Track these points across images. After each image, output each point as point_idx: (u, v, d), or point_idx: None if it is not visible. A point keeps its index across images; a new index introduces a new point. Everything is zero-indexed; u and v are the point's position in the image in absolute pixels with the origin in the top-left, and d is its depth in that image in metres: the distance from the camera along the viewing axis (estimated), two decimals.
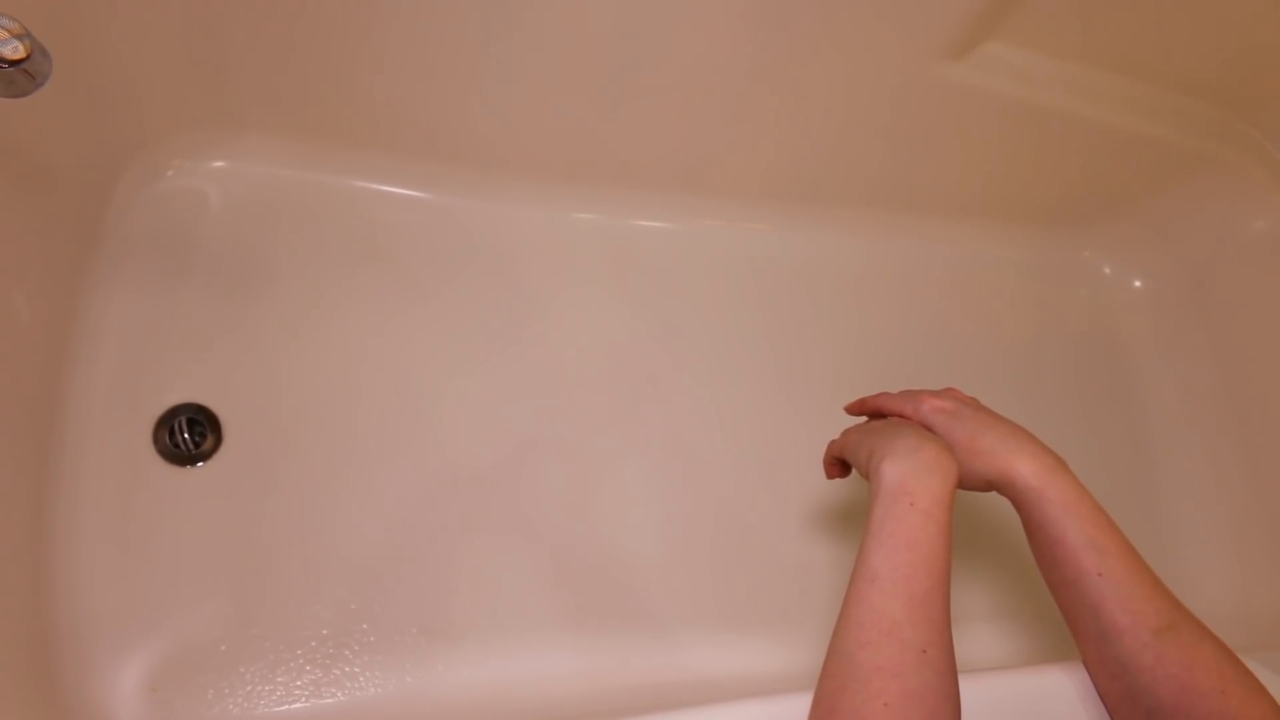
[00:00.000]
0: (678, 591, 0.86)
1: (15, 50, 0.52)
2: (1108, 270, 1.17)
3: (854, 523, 0.92)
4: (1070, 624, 0.55)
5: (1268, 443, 0.99)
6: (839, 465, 0.67)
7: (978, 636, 0.88)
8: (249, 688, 0.72)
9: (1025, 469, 0.55)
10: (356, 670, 0.75)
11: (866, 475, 0.57)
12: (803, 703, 0.49)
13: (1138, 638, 0.50)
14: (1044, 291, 1.14)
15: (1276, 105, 0.95)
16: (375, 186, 0.94)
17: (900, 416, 0.63)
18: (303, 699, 0.73)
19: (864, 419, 0.68)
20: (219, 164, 0.89)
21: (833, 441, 0.66)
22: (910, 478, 0.52)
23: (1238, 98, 0.96)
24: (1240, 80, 0.94)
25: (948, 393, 0.62)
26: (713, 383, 0.97)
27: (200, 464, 0.79)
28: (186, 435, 0.79)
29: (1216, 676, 0.49)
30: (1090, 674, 0.55)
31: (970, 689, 0.49)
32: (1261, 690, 0.49)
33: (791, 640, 0.84)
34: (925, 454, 0.53)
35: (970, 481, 0.57)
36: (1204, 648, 0.50)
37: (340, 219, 0.92)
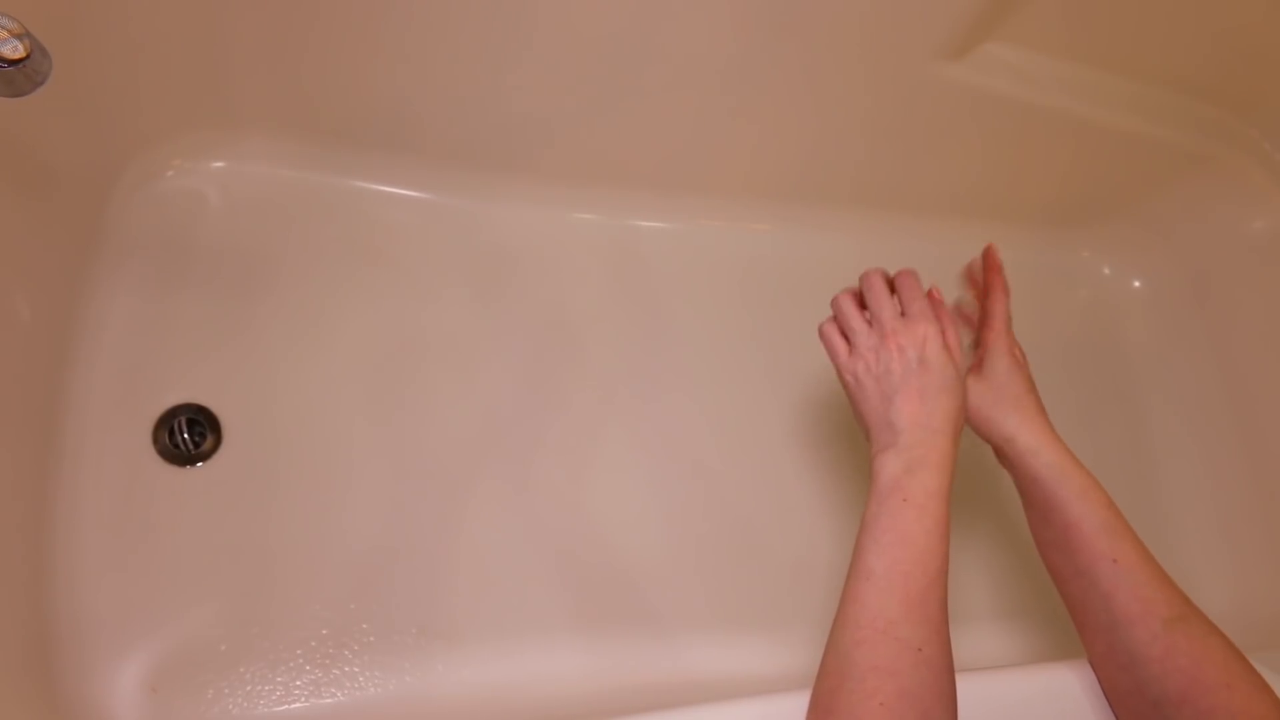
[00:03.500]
0: (677, 591, 0.86)
1: (15, 50, 0.52)
2: (1107, 270, 1.17)
3: (852, 521, 0.92)
4: (1078, 615, 0.56)
5: (1267, 443, 0.99)
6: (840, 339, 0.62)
7: (979, 636, 0.88)
8: (249, 687, 0.72)
9: (1055, 447, 0.56)
10: (356, 670, 0.75)
11: (858, 418, 0.58)
12: (800, 702, 0.49)
13: (1149, 628, 0.51)
14: (1043, 292, 1.14)
15: (1275, 105, 0.95)
16: (375, 186, 0.94)
17: (989, 328, 0.64)
18: (302, 699, 0.73)
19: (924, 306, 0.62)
20: (219, 164, 0.89)
21: (826, 328, 0.62)
22: (906, 474, 0.52)
23: (1237, 98, 0.96)
24: (1239, 80, 0.94)
25: (1018, 346, 0.64)
26: (711, 381, 0.96)
27: (200, 464, 0.79)
28: (186, 435, 0.79)
29: (1223, 671, 0.49)
30: (1096, 667, 0.55)
31: (973, 687, 0.49)
32: (1266, 688, 0.49)
33: (789, 639, 0.84)
34: (922, 450, 0.53)
35: (994, 430, 0.59)
36: (1212, 641, 0.50)
37: (340, 219, 0.92)
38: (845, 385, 0.60)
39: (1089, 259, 1.17)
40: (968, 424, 0.60)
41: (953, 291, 0.70)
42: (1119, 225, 1.13)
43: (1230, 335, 1.04)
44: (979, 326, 0.66)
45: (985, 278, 0.67)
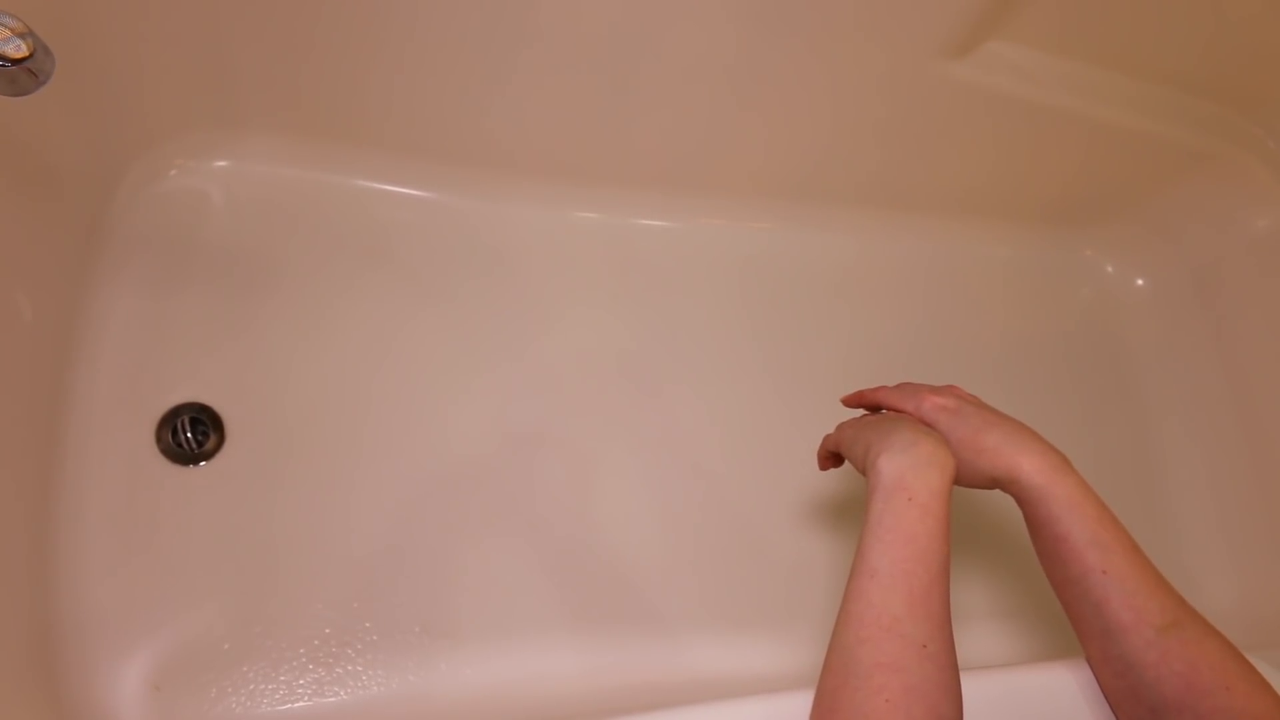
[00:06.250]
0: (679, 590, 0.86)
1: (18, 48, 0.52)
2: (1110, 269, 1.16)
3: (853, 519, 0.92)
4: (1074, 622, 0.55)
5: (1270, 441, 0.98)
6: (833, 458, 0.67)
7: (980, 635, 0.88)
8: (252, 686, 0.73)
9: (1029, 466, 0.55)
10: (359, 669, 0.75)
11: (863, 471, 0.57)
12: (804, 700, 0.49)
13: (1141, 635, 0.50)
14: (1046, 290, 1.14)
15: (1278, 103, 0.95)
16: (378, 186, 0.94)
17: (898, 412, 0.62)
18: (305, 697, 0.73)
19: (861, 412, 0.68)
20: (222, 163, 0.89)
21: (828, 436, 0.66)
22: (908, 472, 0.52)
23: (1240, 95, 0.96)
24: (1242, 78, 0.94)
25: (949, 390, 0.62)
26: (713, 380, 0.97)
27: (203, 463, 0.79)
28: (189, 435, 0.79)
29: (1220, 673, 0.48)
30: (1094, 671, 0.55)
31: (974, 687, 0.49)
32: (1266, 686, 0.49)
33: (792, 638, 0.84)
34: (922, 448, 0.53)
35: (974, 479, 0.57)
36: (1208, 644, 0.50)
37: (343, 218, 0.92)
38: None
39: (1092, 257, 1.17)
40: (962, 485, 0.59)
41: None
42: (1122, 223, 1.13)
43: (1234, 333, 1.04)
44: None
45: (865, 405, 0.67)
